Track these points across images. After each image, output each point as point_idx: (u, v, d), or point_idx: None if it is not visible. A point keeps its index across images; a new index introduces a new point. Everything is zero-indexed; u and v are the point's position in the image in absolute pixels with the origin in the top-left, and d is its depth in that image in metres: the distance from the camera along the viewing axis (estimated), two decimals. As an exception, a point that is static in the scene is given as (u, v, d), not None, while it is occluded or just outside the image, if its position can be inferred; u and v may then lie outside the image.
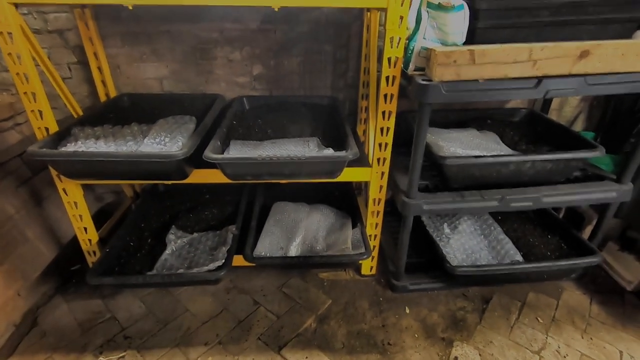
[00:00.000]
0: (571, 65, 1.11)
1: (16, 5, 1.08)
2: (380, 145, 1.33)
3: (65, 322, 1.45)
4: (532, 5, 1.11)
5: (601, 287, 1.60)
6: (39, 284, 1.52)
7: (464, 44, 1.13)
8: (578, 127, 2.00)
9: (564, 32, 1.16)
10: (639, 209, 1.56)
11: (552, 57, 1.09)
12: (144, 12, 1.58)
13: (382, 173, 1.39)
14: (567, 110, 1.95)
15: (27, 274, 1.46)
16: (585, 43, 1.09)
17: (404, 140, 1.40)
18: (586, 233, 1.67)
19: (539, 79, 1.11)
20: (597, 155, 1.31)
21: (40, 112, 1.21)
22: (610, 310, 1.49)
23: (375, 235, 1.56)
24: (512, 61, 1.08)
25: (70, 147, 1.24)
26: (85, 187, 1.45)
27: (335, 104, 1.71)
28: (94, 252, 1.53)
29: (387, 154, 1.35)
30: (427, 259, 1.62)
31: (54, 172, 1.31)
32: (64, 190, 1.36)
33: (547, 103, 1.82)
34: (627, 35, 1.20)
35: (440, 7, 1.09)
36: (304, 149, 1.31)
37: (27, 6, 1.52)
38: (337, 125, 1.50)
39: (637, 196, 1.54)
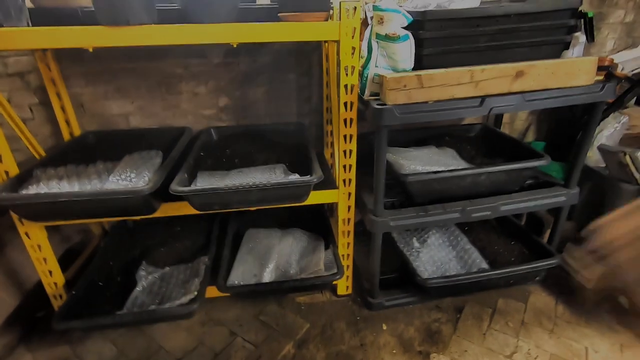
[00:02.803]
0: (509, 85, 1.22)
1: (-27, 52, 1.08)
2: (344, 167, 1.38)
3: (30, 373, 1.37)
4: (470, 33, 1.23)
5: (564, 287, 1.68)
6: (1, 334, 1.44)
7: (413, 69, 1.22)
8: (530, 138, 2.15)
9: (502, 55, 1.28)
10: (590, 211, 1.68)
11: (492, 77, 1.20)
12: (107, 52, 1.61)
13: (349, 194, 1.44)
14: (517, 123, 2.10)
15: (-13, 325, 1.39)
16: (520, 64, 1.21)
17: (370, 161, 1.46)
18: (546, 237, 1.77)
19: (483, 98, 1.21)
20: (543, 163, 1.41)
21: (0, 156, 1.19)
22: (574, 308, 1.57)
23: (348, 255, 1.59)
24: (456, 83, 1.18)
25: (32, 190, 1.22)
26: (50, 228, 1.41)
27: (302, 129, 1.77)
28: (60, 296, 1.47)
29: (352, 175, 1.40)
30: (400, 274, 1.66)
31: (15, 216, 1.28)
32: (26, 234, 1.32)
33: (499, 118, 1.96)
34: (557, 54, 1.34)
35: (387, 37, 1.18)
36: (270, 175, 1.35)
37: (-15, 52, 1.52)
38: (303, 151, 1.55)
39: (587, 198, 1.67)
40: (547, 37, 1.29)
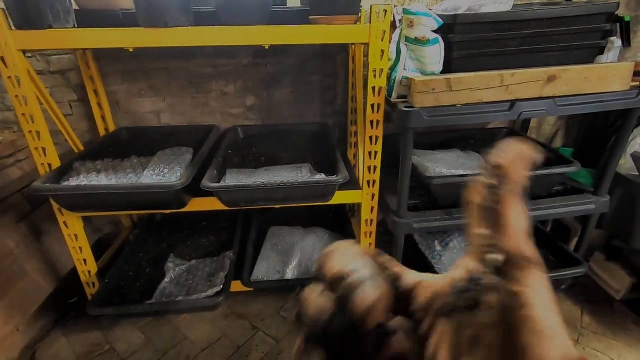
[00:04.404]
0: (541, 89, 1.21)
1: (24, 52, 1.16)
2: (369, 168, 1.40)
3: (64, 356, 1.44)
4: (501, 37, 1.22)
5: (591, 297, 1.64)
6: (38, 318, 1.52)
7: (442, 72, 1.23)
8: (557, 143, 2.10)
9: (533, 59, 1.27)
10: (621, 220, 1.63)
11: (522, 82, 1.19)
12: (142, 51, 1.68)
13: (373, 195, 1.45)
14: (545, 128, 2.06)
15: (26, 308, 1.47)
16: (552, 69, 1.20)
17: (394, 163, 1.47)
18: (573, 245, 1.73)
19: (512, 102, 1.21)
20: (573, 170, 1.39)
21: (44, 149, 1.27)
22: (601, 319, 1.53)
23: (370, 256, 1.60)
24: (485, 87, 1.18)
25: (73, 182, 1.29)
26: (84, 220, 1.48)
27: (326, 130, 1.80)
28: (93, 284, 1.55)
29: (377, 176, 1.42)
30: (421, 277, 1.65)
31: (55, 206, 1.35)
32: (65, 223, 1.39)
33: (526, 122, 1.93)
34: (590, 59, 1.31)
35: (417, 41, 1.19)
36: (296, 174, 1.38)
37: (33, 52, 1.61)
38: (328, 151, 1.57)
39: (618, 207, 1.62)
40: (581, 41, 1.27)
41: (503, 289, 0.19)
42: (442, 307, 0.22)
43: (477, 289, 0.20)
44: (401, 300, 0.25)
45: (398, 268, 0.26)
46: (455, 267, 0.23)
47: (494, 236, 0.20)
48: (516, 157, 0.21)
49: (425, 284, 0.25)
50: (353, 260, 0.24)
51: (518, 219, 0.20)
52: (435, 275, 0.25)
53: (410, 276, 0.26)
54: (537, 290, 0.19)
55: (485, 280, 0.20)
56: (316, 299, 0.23)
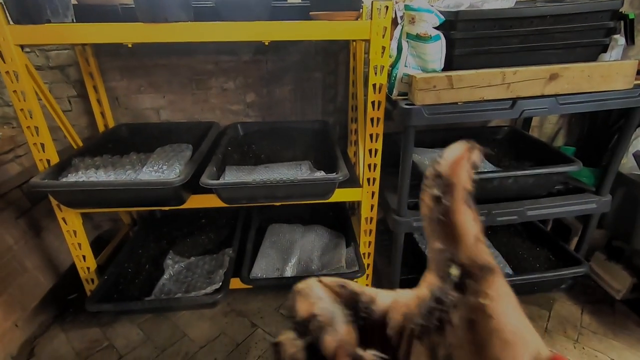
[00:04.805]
0: (543, 87, 1.20)
1: (22, 46, 1.15)
2: (369, 166, 1.39)
3: (63, 352, 1.45)
4: (503, 34, 1.21)
5: (591, 297, 1.63)
6: (37, 314, 1.52)
7: (443, 69, 1.21)
8: (559, 142, 2.09)
9: (535, 57, 1.25)
10: (622, 219, 1.62)
11: (524, 79, 1.18)
12: (142, 47, 1.67)
13: (373, 193, 1.45)
14: (547, 126, 2.04)
15: (25, 304, 1.47)
16: (554, 67, 1.18)
17: (394, 161, 1.47)
18: (573, 244, 1.72)
19: (514, 100, 1.19)
20: (574, 169, 1.38)
21: (43, 145, 1.26)
22: (601, 319, 1.52)
23: (369, 254, 1.60)
24: (487, 85, 1.16)
25: (72, 178, 1.28)
26: (84, 216, 1.48)
27: (326, 127, 1.79)
28: (92, 280, 1.54)
29: (377, 174, 1.41)
30: (420, 275, 1.65)
31: (54, 202, 1.35)
32: (63, 219, 1.39)
33: (528, 121, 1.92)
34: (593, 57, 1.30)
35: (418, 37, 1.18)
36: (296, 172, 1.37)
37: (31, 46, 1.60)
38: (328, 149, 1.57)
39: (619, 207, 1.61)
40: (584, 39, 1.25)
41: (465, 304, 0.19)
42: (412, 329, 0.21)
43: (441, 307, 0.20)
44: (378, 325, 0.24)
45: (369, 291, 0.26)
46: (420, 283, 0.22)
47: (448, 249, 0.20)
48: (455, 161, 0.20)
49: (397, 305, 0.24)
50: (317, 300, 0.24)
51: (468, 226, 0.20)
52: (406, 293, 0.24)
53: (382, 298, 0.25)
54: (499, 298, 0.19)
55: (446, 298, 0.20)
56: (289, 348, 0.23)
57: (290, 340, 0.23)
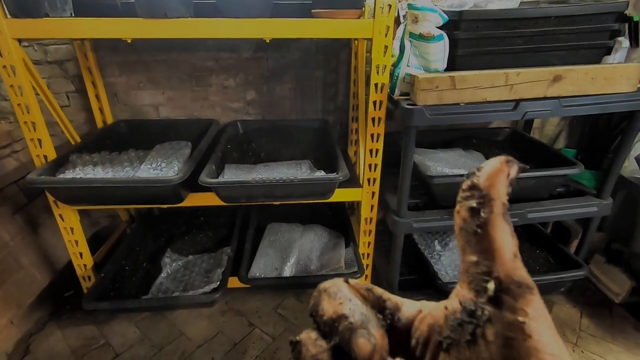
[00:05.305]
0: (546, 89, 1.19)
1: (19, 40, 1.13)
2: (370, 166, 1.38)
3: (59, 349, 1.43)
4: (507, 35, 1.20)
5: (590, 300, 1.63)
6: (33, 311, 1.51)
7: (446, 70, 1.20)
8: (560, 144, 2.08)
9: (539, 58, 1.24)
10: (622, 222, 1.62)
11: (528, 81, 1.17)
12: (141, 43, 1.65)
13: (373, 193, 1.44)
14: (548, 128, 2.03)
15: (21, 301, 1.46)
16: (558, 68, 1.17)
17: (394, 161, 1.45)
18: (573, 247, 1.71)
19: (517, 102, 1.18)
20: (576, 172, 1.37)
21: (40, 141, 1.25)
22: (600, 322, 1.52)
23: (368, 254, 1.59)
24: (489, 86, 1.15)
25: (69, 174, 1.27)
26: (81, 212, 1.47)
27: (326, 127, 1.78)
28: (89, 277, 1.53)
29: (377, 174, 1.40)
30: (419, 276, 1.64)
31: (51, 199, 1.33)
32: (60, 216, 1.38)
33: (529, 122, 1.90)
34: (597, 60, 1.29)
35: (421, 37, 1.16)
36: (296, 171, 1.36)
37: (29, 41, 1.58)
38: (328, 148, 1.55)
39: (619, 210, 1.60)
40: (588, 41, 1.24)
41: (502, 321, 0.18)
42: (439, 342, 0.21)
43: (473, 321, 0.19)
44: (401, 334, 0.23)
45: (395, 299, 0.25)
46: (450, 296, 0.22)
47: (484, 262, 0.19)
48: (494, 174, 0.19)
49: (423, 315, 0.23)
50: (346, 301, 0.23)
51: (505, 241, 0.19)
52: (432, 304, 0.23)
53: (408, 307, 0.24)
54: (537, 317, 0.18)
55: (480, 312, 0.19)
56: (311, 349, 0.22)
57: (313, 340, 0.22)
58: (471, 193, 0.19)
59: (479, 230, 0.19)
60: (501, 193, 0.19)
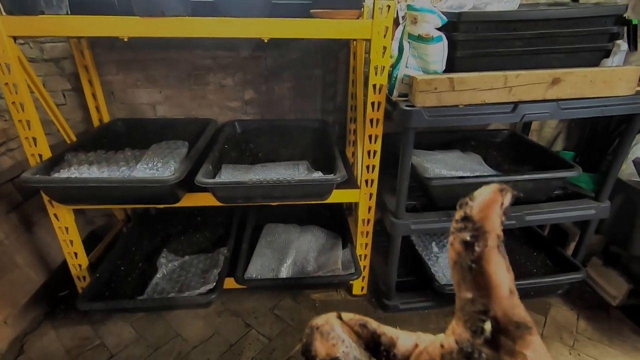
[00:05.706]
0: (544, 91, 1.18)
1: (14, 38, 1.12)
2: (367, 167, 1.37)
3: (53, 349, 1.42)
4: (506, 37, 1.19)
5: (587, 302, 1.63)
6: (27, 310, 1.50)
7: (444, 71, 1.20)
8: (558, 147, 2.08)
9: (537, 60, 1.24)
10: (620, 225, 1.62)
11: (526, 83, 1.16)
12: (138, 41, 1.64)
13: (371, 194, 1.43)
14: (546, 131, 2.03)
15: (15, 301, 1.44)
16: (556, 71, 1.17)
17: (392, 162, 1.45)
18: (570, 250, 1.71)
19: (515, 104, 1.18)
20: (574, 174, 1.37)
21: (34, 139, 1.23)
22: (597, 325, 1.52)
23: (365, 255, 1.58)
24: (488, 88, 1.15)
25: (64, 173, 1.26)
26: (76, 211, 1.45)
27: (325, 127, 1.77)
28: (84, 277, 1.52)
29: (375, 175, 1.39)
30: (417, 278, 1.64)
31: (45, 198, 1.32)
32: (55, 215, 1.36)
33: (527, 124, 1.90)
34: (595, 62, 1.28)
35: (420, 38, 1.16)
36: (293, 172, 1.35)
37: (25, 38, 1.57)
38: (326, 149, 1.55)
39: (617, 212, 1.60)
40: (587, 43, 1.24)
41: None
42: None
43: None
44: None
45: (390, 333, 0.24)
46: (446, 333, 0.21)
47: (480, 300, 0.18)
48: (486, 205, 0.18)
49: (418, 352, 0.23)
50: (339, 342, 0.22)
51: (501, 277, 0.18)
52: (428, 338, 0.23)
53: (403, 341, 0.24)
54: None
55: (477, 355, 0.18)
56: None
57: None
58: (464, 225, 0.19)
59: (474, 266, 0.18)
60: (495, 225, 0.18)
